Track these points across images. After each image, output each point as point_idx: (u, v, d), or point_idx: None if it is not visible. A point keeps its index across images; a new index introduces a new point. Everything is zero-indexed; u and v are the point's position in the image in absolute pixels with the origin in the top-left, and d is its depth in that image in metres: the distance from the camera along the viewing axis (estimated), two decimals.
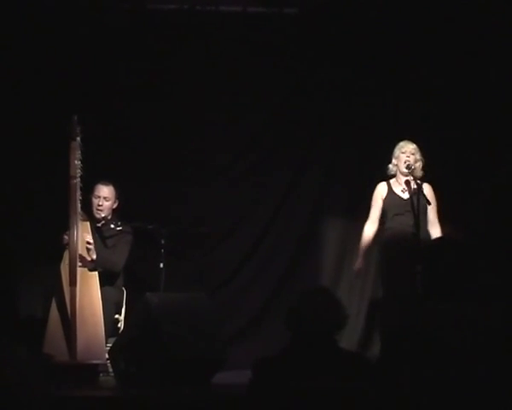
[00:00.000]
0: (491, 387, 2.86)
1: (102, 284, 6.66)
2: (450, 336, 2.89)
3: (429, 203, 6.78)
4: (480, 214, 7.44)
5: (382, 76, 7.82)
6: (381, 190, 7.03)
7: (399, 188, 7.02)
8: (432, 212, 6.92)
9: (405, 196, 6.98)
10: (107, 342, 6.54)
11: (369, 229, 7.02)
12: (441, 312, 3.01)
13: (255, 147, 8.03)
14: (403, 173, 6.99)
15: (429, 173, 7.00)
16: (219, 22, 7.86)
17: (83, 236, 6.64)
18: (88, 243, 6.66)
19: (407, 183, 6.96)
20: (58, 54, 7.60)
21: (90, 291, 6.55)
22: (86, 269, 6.61)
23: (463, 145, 7.65)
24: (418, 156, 6.98)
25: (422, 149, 6.99)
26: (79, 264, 6.51)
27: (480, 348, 2.87)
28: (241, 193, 7.95)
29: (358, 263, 7.06)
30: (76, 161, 6.52)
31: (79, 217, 6.56)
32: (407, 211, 6.84)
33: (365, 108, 7.83)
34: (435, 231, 6.90)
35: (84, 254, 6.63)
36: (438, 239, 5.18)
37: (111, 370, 6.40)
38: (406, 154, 6.96)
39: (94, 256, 6.67)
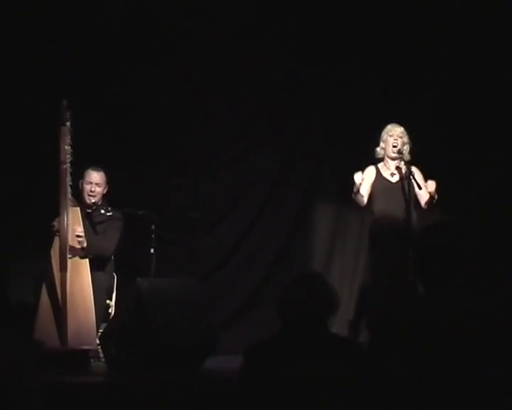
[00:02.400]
0: (481, 371, 2.86)
1: (93, 269, 6.65)
2: (441, 322, 2.89)
3: (420, 188, 6.78)
4: (472, 201, 7.45)
5: (373, 62, 7.81)
6: (370, 172, 7.03)
7: (388, 172, 7.03)
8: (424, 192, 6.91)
9: (394, 179, 6.98)
10: (97, 328, 6.54)
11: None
12: (431, 297, 3.01)
13: (246, 133, 8.01)
14: (390, 157, 7.00)
15: (422, 162, 7.02)
16: (208, 9, 7.84)
17: (73, 228, 6.61)
18: (78, 235, 6.63)
19: (397, 168, 6.97)
20: (47, 38, 7.56)
21: (80, 277, 6.54)
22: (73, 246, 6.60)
23: (456, 133, 7.65)
24: (406, 139, 6.98)
25: (410, 132, 7.00)
26: (69, 255, 6.50)
27: (471, 334, 2.87)
28: (232, 179, 7.94)
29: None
30: (66, 147, 6.51)
31: (69, 202, 6.55)
32: (396, 196, 6.84)
33: (356, 94, 7.82)
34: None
35: (75, 244, 6.61)
36: (429, 224, 5.16)
37: (102, 355, 6.39)
38: (394, 137, 6.96)
39: (85, 245, 6.66)
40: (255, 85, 7.92)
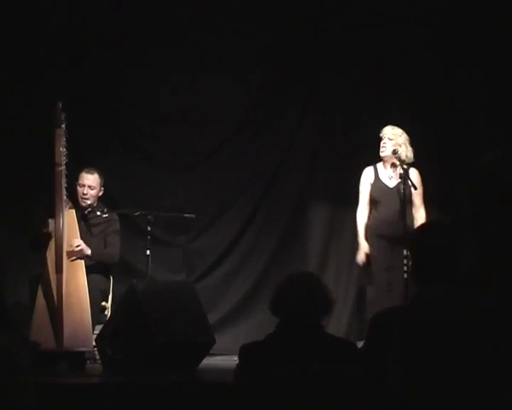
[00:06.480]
0: (477, 369, 2.86)
1: (89, 271, 6.65)
2: (437, 321, 2.89)
3: (415, 188, 6.78)
4: (466, 199, 7.44)
5: (369, 60, 7.79)
6: (368, 176, 7.04)
7: (386, 174, 7.01)
8: (417, 197, 6.93)
9: (391, 183, 6.97)
10: (93, 330, 6.53)
11: (362, 214, 7.00)
12: (428, 296, 3.02)
13: (240, 132, 8.00)
14: (381, 158, 7.04)
15: (417, 161, 7.03)
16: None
17: (72, 241, 6.60)
18: (77, 246, 6.62)
19: (394, 167, 6.98)
20: (42, 39, 7.56)
21: (76, 278, 6.54)
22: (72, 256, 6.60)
23: (449, 129, 7.65)
24: (400, 141, 6.95)
25: (410, 133, 7.00)
26: (73, 258, 6.52)
27: (467, 332, 2.87)
28: (227, 179, 7.93)
29: (361, 254, 6.98)
30: (61, 149, 6.51)
31: (65, 204, 6.55)
32: (393, 200, 6.85)
33: (352, 92, 7.81)
34: (420, 215, 6.91)
35: (78, 255, 6.61)
36: (425, 224, 5.17)
37: (98, 357, 6.38)
38: (383, 140, 6.97)
39: (88, 252, 6.65)
40: (248, 86, 7.91)
